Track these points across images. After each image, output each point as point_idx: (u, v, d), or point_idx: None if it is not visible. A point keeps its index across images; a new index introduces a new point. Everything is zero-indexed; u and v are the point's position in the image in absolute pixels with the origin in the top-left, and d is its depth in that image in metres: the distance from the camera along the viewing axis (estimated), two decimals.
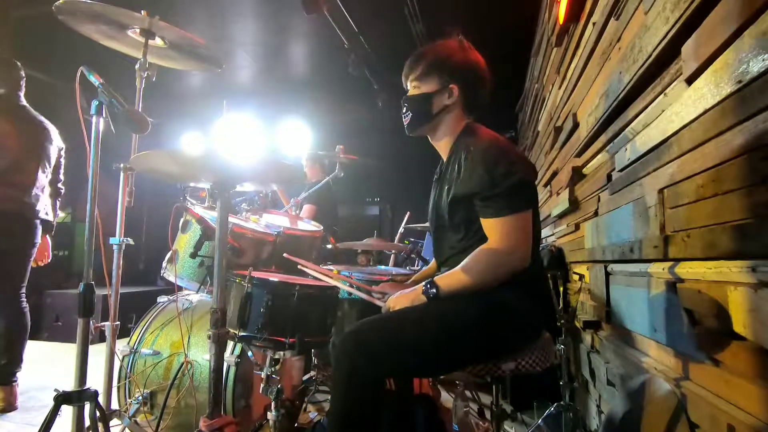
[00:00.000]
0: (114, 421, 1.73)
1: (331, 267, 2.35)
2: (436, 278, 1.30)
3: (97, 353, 1.62)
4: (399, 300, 1.33)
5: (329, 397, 2.60)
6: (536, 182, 1.38)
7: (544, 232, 3.51)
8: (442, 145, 1.48)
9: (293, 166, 1.42)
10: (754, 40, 0.89)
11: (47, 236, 2.71)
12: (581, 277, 2.29)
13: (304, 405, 2.26)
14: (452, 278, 1.29)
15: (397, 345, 1.22)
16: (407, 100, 1.44)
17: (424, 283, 1.32)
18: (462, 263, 1.29)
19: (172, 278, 1.98)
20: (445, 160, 1.48)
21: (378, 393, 1.22)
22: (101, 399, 1.47)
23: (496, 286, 1.27)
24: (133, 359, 1.89)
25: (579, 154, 2.23)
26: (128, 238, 1.88)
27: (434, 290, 1.28)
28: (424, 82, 1.41)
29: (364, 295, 1.50)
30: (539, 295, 1.39)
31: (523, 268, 1.28)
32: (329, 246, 2.61)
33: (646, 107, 1.44)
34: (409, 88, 1.46)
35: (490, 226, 1.29)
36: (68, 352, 3.81)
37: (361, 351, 1.18)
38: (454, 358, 1.29)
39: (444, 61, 1.40)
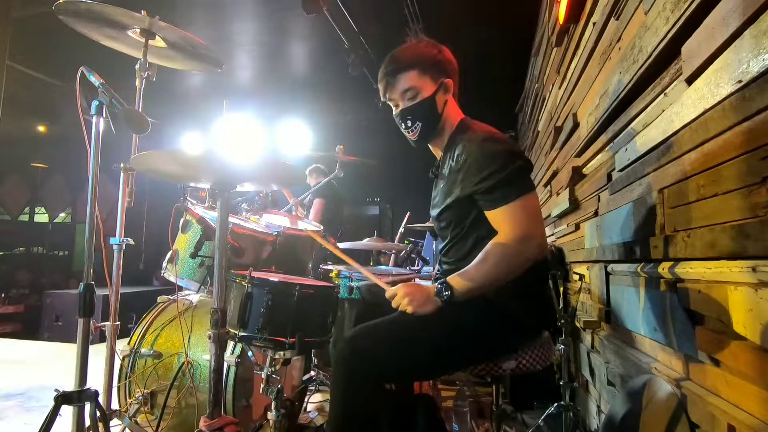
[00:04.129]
0: (114, 421, 1.73)
1: (331, 267, 2.36)
2: (449, 278, 1.23)
3: (97, 353, 1.62)
4: (410, 291, 1.23)
5: (329, 398, 2.61)
6: (535, 182, 1.37)
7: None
8: (438, 143, 1.45)
9: (293, 166, 1.42)
10: (754, 40, 0.89)
11: None
12: (581, 277, 2.29)
13: (304, 405, 2.26)
14: (465, 276, 1.21)
15: (395, 350, 1.21)
16: (411, 111, 1.36)
17: (437, 283, 1.24)
18: (474, 261, 1.22)
19: (172, 278, 1.98)
20: (439, 158, 1.47)
21: (376, 397, 1.21)
22: (101, 399, 1.47)
23: (497, 286, 1.24)
24: (133, 359, 1.89)
25: (579, 154, 2.23)
26: (128, 238, 1.88)
27: (448, 293, 1.21)
28: (420, 88, 1.35)
29: (378, 282, 1.43)
30: (538, 293, 1.38)
31: (542, 256, 1.22)
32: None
33: (646, 107, 1.44)
34: (397, 101, 1.38)
35: (498, 216, 1.23)
36: (68, 352, 3.81)
37: (358, 357, 1.17)
38: (453, 360, 1.29)
39: (431, 60, 1.36)
